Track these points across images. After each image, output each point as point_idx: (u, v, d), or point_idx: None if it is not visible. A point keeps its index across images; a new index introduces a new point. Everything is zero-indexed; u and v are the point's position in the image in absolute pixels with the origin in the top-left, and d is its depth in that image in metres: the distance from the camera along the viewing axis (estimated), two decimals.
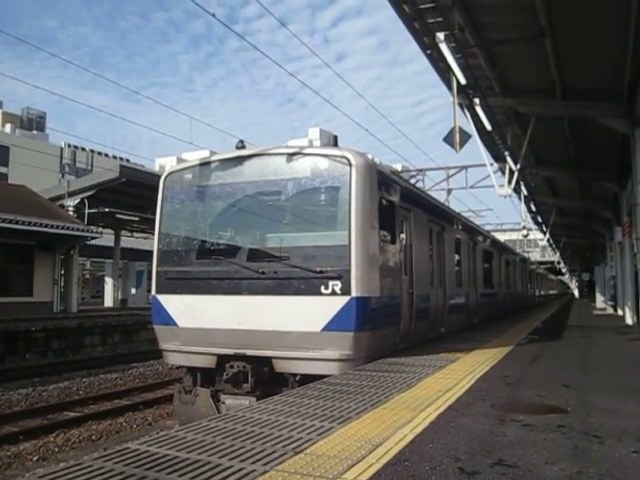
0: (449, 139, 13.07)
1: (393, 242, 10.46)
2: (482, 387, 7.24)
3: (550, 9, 10.51)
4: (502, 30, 11.91)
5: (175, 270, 10.13)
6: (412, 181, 25.62)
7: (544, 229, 36.40)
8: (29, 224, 23.74)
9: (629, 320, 21.61)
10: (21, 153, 48.11)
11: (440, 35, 10.38)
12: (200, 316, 9.63)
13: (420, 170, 31.00)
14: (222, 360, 9.42)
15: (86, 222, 28.69)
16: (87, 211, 29.17)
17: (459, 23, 11.02)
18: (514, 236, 47.83)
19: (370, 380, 7.61)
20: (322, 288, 8.83)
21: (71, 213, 29.31)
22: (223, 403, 9.37)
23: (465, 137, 13.36)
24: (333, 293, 8.79)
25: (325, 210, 9.97)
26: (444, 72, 12.99)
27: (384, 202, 10.02)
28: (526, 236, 33.35)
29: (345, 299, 8.74)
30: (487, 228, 32.73)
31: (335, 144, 10.04)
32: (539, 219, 33.75)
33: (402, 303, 10.65)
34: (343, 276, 8.77)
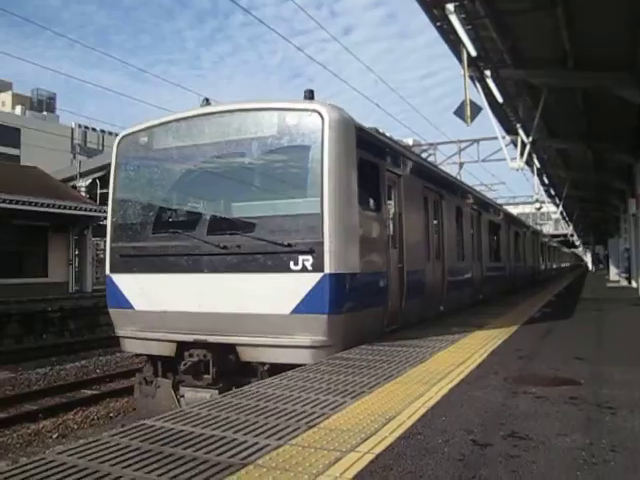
0: (460, 112, 12.94)
1: (378, 210, 9.41)
2: (495, 361, 7.26)
3: None
4: (513, 0, 11.70)
5: (130, 246, 9.10)
6: (424, 155, 25.40)
7: (557, 202, 36.12)
8: (42, 205, 23.84)
9: None
10: (32, 135, 48.33)
11: (450, 6, 10.24)
12: (157, 298, 8.65)
13: (431, 144, 30.84)
14: (182, 348, 8.46)
15: (98, 202, 28.81)
16: (99, 191, 29.28)
17: None
18: (527, 209, 47.64)
19: (383, 355, 7.65)
20: (291, 264, 7.80)
21: (83, 193, 29.43)
22: (182, 397, 8.38)
23: (476, 110, 13.21)
24: (304, 270, 7.75)
25: (294, 173, 8.80)
26: (454, 44, 12.81)
27: (365, 164, 8.92)
28: (539, 209, 33.24)
29: (317, 276, 7.70)
30: (499, 201, 32.46)
31: (310, 98, 8.67)
32: (552, 192, 33.49)
33: (389, 279, 9.55)
34: (315, 250, 7.72)
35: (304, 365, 7.11)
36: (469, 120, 12.63)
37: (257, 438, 4.16)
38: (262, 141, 8.53)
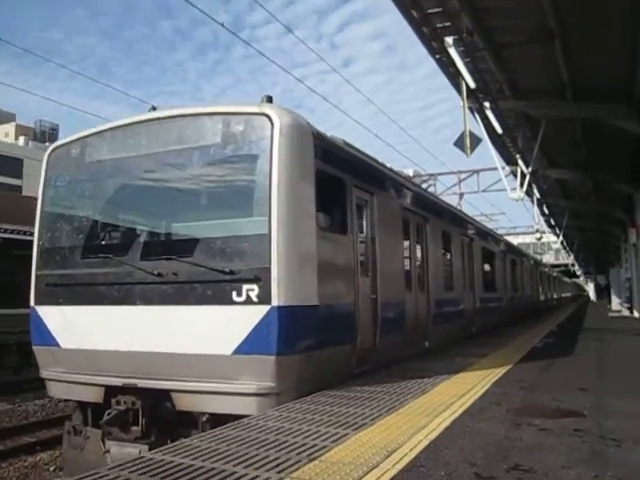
0: (460, 143, 13.04)
1: (343, 233, 8.25)
2: (497, 392, 7.20)
3: (559, 11, 10.47)
4: (511, 33, 11.88)
5: (56, 274, 7.93)
6: (424, 186, 25.47)
7: (557, 231, 36.18)
8: None
9: None
10: (35, 165, 48.53)
11: (449, 39, 10.38)
12: (85, 334, 7.48)
13: (432, 175, 31.04)
14: (111, 393, 7.20)
15: None
16: None
17: (467, 27, 11.00)
18: (527, 239, 47.68)
19: (384, 386, 7.59)
20: (234, 295, 6.66)
21: None
22: (107, 452, 7.01)
23: (476, 141, 13.31)
24: (248, 301, 6.60)
25: (239, 188, 7.58)
26: (453, 76, 12.97)
27: (327, 178, 7.79)
28: (539, 239, 33.28)
29: (263, 310, 6.53)
30: (500, 232, 32.54)
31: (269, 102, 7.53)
32: (552, 222, 33.57)
33: (358, 312, 8.32)
34: (261, 278, 6.57)
35: (248, 416, 6.05)
36: (469, 151, 12.72)
37: (257, 471, 4.10)
38: (204, 151, 7.42)
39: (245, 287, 6.64)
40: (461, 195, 31.65)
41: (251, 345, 6.55)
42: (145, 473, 4.09)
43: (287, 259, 6.73)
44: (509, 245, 26.39)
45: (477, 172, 31.01)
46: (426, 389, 7.35)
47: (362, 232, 9.07)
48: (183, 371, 6.85)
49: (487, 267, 20.39)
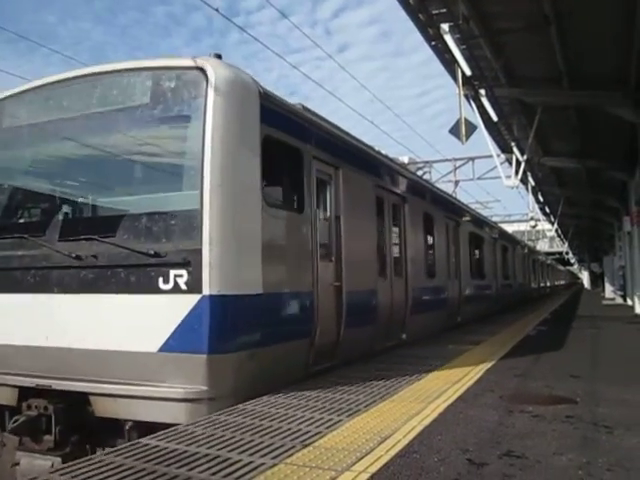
0: (455, 131, 13.03)
1: (299, 210, 7.33)
2: (491, 379, 7.24)
3: None
4: (507, 20, 11.83)
5: None
6: (419, 173, 25.44)
7: (552, 219, 36.28)
8: None
9: (638, 310, 21.55)
10: None
11: (445, 26, 10.34)
12: None
13: (427, 162, 30.97)
14: (25, 395, 6.11)
15: None
16: None
17: (464, 13, 10.95)
18: (522, 227, 47.72)
19: (378, 373, 7.61)
20: (160, 281, 5.74)
21: None
22: (17, 465, 5.89)
23: (471, 128, 13.30)
24: (176, 289, 5.69)
25: (168, 156, 6.55)
26: (449, 63, 12.93)
27: (277, 146, 6.89)
28: (534, 227, 33.31)
29: (192, 299, 5.62)
30: (495, 219, 32.52)
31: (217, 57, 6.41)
32: (547, 210, 33.63)
33: (317, 302, 7.37)
34: (190, 261, 5.65)
35: (177, 425, 5.15)
36: (464, 139, 12.71)
37: (252, 457, 4.12)
38: (130, 114, 6.40)
39: (172, 272, 5.71)
40: (456, 182, 31.62)
41: (179, 342, 5.63)
42: (140, 459, 4.10)
43: (222, 239, 5.77)
44: (500, 231, 25.26)
45: (472, 159, 30.97)
46: (420, 376, 7.38)
47: (324, 211, 8.12)
48: (104, 371, 5.89)
49: (475, 253, 19.48)
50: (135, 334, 5.81)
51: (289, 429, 4.86)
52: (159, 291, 5.74)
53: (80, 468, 3.93)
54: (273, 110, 6.85)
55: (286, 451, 4.25)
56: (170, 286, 5.71)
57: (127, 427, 5.69)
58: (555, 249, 62.80)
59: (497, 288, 22.03)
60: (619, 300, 32.42)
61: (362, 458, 4.09)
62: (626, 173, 20.92)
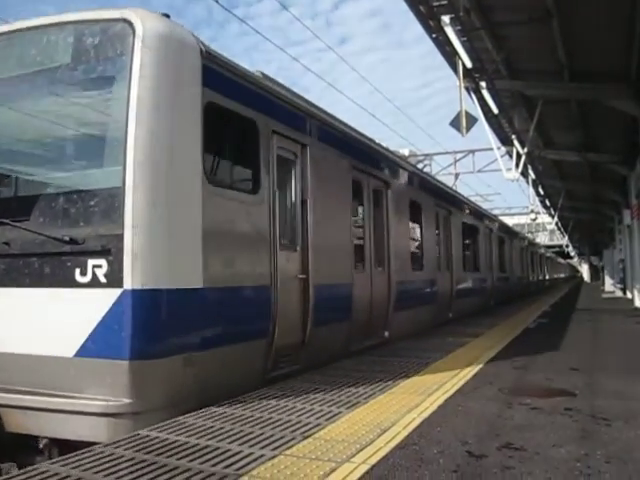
0: (456, 123, 13.00)
1: (253, 191, 6.43)
2: (490, 371, 7.26)
3: None
4: (508, 12, 11.78)
5: None
6: (419, 166, 25.38)
7: (552, 212, 36.25)
8: None
9: (638, 303, 21.58)
10: None
11: (445, 18, 10.30)
12: None
13: (427, 155, 30.94)
14: None
15: None
16: None
17: (465, 5, 10.89)
18: (522, 220, 47.72)
19: (378, 365, 7.63)
20: (77, 273, 4.94)
21: None
22: None
23: (471, 121, 13.26)
24: (94, 282, 4.88)
25: (89, 126, 5.70)
26: (450, 55, 12.88)
27: (225, 116, 6.08)
28: (534, 220, 33.30)
29: (112, 295, 4.82)
30: (495, 212, 32.54)
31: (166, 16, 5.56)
32: (547, 202, 33.60)
33: (277, 297, 6.55)
34: (111, 249, 4.85)
35: (96, 444, 4.35)
36: (465, 131, 12.68)
37: (252, 448, 4.14)
38: (49, 75, 5.53)
39: (90, 262, 4.90)
40: (457, 175, 31.58)
41: (98, 345, 4.82)
42: (140, 450, 4.12)
43: (150, 223, 4.96)
44: (497, 221, 24.47)
45: (473, 152, 30.91)
46: (419, 368, 7.40)
47: (287, 193, 7.33)
48: (13, 378, 5.08)
49: (469, 245, 18.65)
50: (49, 336, 4.99)
51: (289, 420, 4.88)
52: (76, 284, 4.93)
53: (80, 459, 3.94)
54: (219, 73, 5.96)
55: (286, 442, 4.27)
56: (88, 279, 4.90)
57: (42, 444, 4.91)
58: (555, 242, 62.84)
59: (493, 281, 21.40)
60: (619, 293, 32.45)
61: (362, 450, 4.10)
62: (627, 166, 20.89)
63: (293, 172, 7.38)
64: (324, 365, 7.50)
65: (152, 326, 5.00)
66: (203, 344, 5.42)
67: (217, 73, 5.91)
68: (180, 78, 5.43)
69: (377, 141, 11.07)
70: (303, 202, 7.43)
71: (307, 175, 7.48)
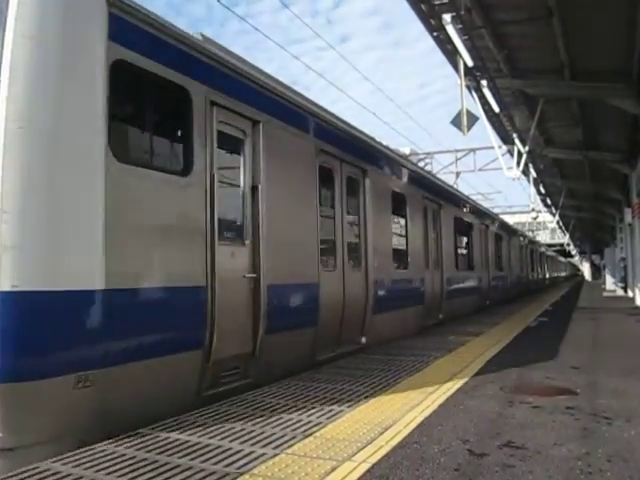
0: (457, 122, 12.99)
1: (183, 173, 5.44)
2: (491, 370, 7.25)
3: None
4: (509, 11, 11.77)
5: None
6: (421, 164, 25.30)
7: (553, 211, 36.26)
8: None
9: (639, 301, 21.56)
10: None
11: (447, 17, 10.29)
12: None
13: (428, 153, 30.91)
14: None
15: None
16: None
17: (466, 4, 10.89)
18: (523, 218, 47.70)
19: (379, 364, 7.63)
20: None
21: None
22: None
23: (472, 119, 13.28)
24: None
25: None
26: (451, 54, 12.88)
27: (143, 79, 5.10)
28: (535, 218, 33.27)
29: None
30: (496, 211, 32.44)
31: None
32: (548, 201, 33.59)
33: (212, 300, 5.52)
34: None
35: None
36: (466, 130, 12.68)
37: (253, 447, 4.14)
38: None
39: None
40: (458, 174, 31.55)
41: None
42: (141, 448, 4.12)
43: (24, 208, 4.08)
44: (493, 218, 23.20)
45: (474, 151, 30.87)
46: (420, 367, 7.40)
47: (233, 177, 6.34)
48: None
49: (461, 241, 17.61)
50: None
51: (290, 419, 4.89)
52: None
53: (81, 457, 3.94)
54: (135, 26, 4.90)
55: (287, 441, 4.28)
56: None
57: None
58: (556, 240, 62.85)
59: (489, 280, 20.52)
60: (620, 292, 32.40)
61: (363, 448, 4.11)
62: (628, 165, 20.88)
63: (241, 153, 6.34)
64: (282, 378, 6.58)
65: (29, 338, 4.05)
66: (106, 360, 4.43)
67: (131, 26, 4.85)
68: (74, 25, 4.41)
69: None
70: (254, 188, 6.41)
71: (259, 157, 6.44)
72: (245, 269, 6.22)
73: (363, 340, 9.13)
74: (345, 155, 8.81)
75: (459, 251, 16.70)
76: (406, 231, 11.66)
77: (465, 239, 17.97)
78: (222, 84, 5.94)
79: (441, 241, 14.00)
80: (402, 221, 11.68)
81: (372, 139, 10.87)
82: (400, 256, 11.22)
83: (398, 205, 11.09)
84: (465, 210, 17.62)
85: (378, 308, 9.46)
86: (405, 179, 11.65)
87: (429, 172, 17.25)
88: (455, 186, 26.09)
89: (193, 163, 5.46)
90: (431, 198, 13.46)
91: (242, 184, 6.34)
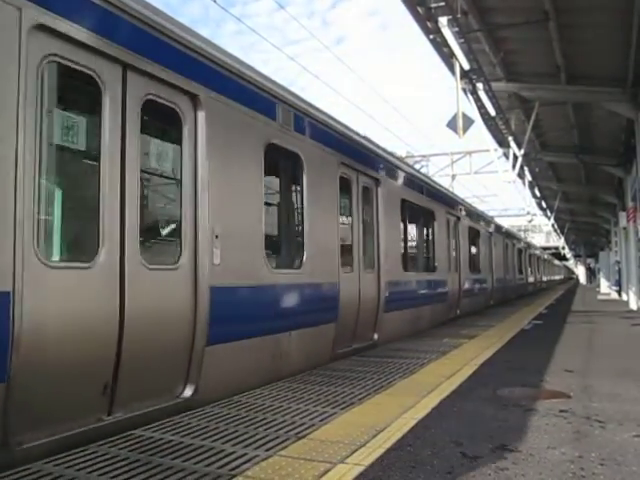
0: (452, 125, 13.03)
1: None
2: (485, 372, 7.26)
3: None
4: (506, 14, 11.82)
5: None
6: (417, 167, 25.30)
7: (548, 214, 36.35)
8: None
9: (633, 305, 21.61)
10: None
11: (443, 20, 10.33)
12: None
13: (424, 156, 30.99)
14: None
15: None
16: None
17: (462, 7, 10.94)
18: (519, 221, 47.82)
19: (373, 366, 7.63)
20: None
21: None
22: None
23: (468, 122, 13.31)
24: None
25: None
26: (447, 57, 12.92)
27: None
28: (530, 221, 33.39)
29: None
30: (491, 214, 32.55)
31: None
32: (543, 204, 33.69)
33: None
34: None
35: None
36: (461, 133, 12.71)
37: (246, 449, 4.13)
38: None
39: None
40: (453, 176, 31.65)
41: None
42: (134, 449, 4.11)
43: None
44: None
45: (470, 154, 30.98)
46: (414, 369, 7.40)
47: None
48: None
49: (473, 248, 18.06)
50: None
51: (283, 421, 4.87)
52: None
53: (73, 459, 3.93)
54: None
55: (280, 443, 4.26)
56: None
57: None
58: (551, 243, 63.01)
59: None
60: (614, 295, 32.52)
61: (356, 451, 4.10)
62: (622, 169, 20.97)
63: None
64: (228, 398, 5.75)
65: None
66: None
67: None
68: None
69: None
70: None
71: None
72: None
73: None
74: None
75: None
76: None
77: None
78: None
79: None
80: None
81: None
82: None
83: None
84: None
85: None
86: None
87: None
88: (451, 189, 26.13)
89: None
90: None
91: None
